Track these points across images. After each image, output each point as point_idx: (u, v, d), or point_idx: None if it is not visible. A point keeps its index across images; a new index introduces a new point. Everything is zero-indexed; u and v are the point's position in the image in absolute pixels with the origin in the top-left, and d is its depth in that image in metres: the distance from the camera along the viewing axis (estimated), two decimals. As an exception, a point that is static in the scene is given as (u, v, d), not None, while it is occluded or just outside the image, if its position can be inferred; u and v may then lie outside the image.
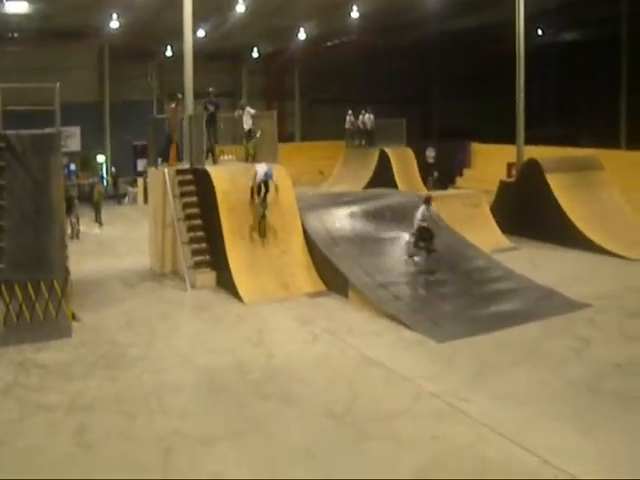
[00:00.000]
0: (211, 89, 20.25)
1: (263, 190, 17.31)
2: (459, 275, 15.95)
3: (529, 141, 25.97)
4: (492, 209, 22.61)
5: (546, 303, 15.19)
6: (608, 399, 10.68)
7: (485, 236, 20.04)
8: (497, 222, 21.83)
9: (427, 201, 17.24)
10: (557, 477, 8.42)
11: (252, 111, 20.27)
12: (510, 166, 25.91)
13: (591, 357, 12.50)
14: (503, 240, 21.03)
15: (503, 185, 24.41)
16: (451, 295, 15.50)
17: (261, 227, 17.19)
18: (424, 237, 16.80)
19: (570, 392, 10.96)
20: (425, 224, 16.86)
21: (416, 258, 17.04)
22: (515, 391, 10.95)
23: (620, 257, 19.88)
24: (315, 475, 8.52)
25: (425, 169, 32.83)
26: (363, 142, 34.50)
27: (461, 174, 35.83)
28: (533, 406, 10.42)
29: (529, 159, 24.24)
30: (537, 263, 18.71)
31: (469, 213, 20.73)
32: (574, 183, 22.80)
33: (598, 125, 35.53)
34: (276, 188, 17.32)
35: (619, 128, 36.15)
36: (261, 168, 17.40)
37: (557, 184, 22.50)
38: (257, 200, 17.29)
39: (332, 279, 16.40)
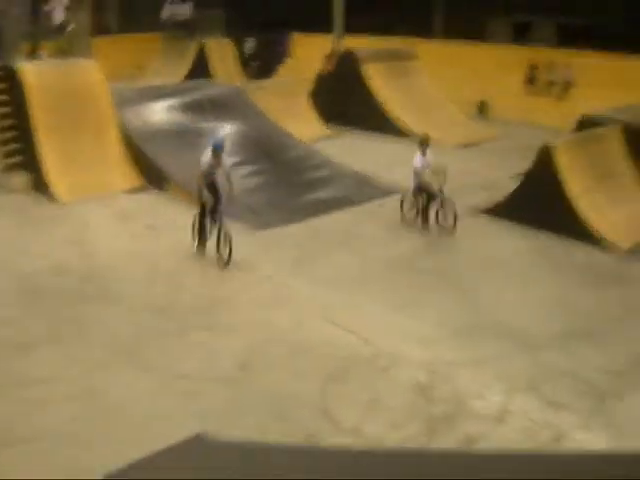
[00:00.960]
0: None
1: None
2: (277, 164, 16.05)
3: (349, 31, 26.15)
4: (311, 99, 22.72)
5: (362, 189, 15.67)
6: (420, 278, 11.30)
7: (304, 125, 20.17)
8: (316, 111, 22.00)
9: (423, 143, 13.92)
10: (377, 354, 8.89)
11: (64, 1, 19.18)
12: (328, 56, 25.94)
13: (404, 239, 13.10)
14: (322, 129, 21.24)
15: (321, 75, 24.48)
16: (270, 184, 15.59)
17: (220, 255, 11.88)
18: (428, 196, 13.59)
19: (385, 273, 11.49)
20: (427, 179, 13.63)
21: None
22: (334, 275, 11.34)
23: (433, 143, 20.55)
24: (138, 370, 8.57)
25: (245, 60, 32.43)
26: (181, 34, 33.58)
27: (282, 64, 35.56)
28: (352, 288, 10.86)
29: (345, 49, 24.42)
30: (354, 151, 19.05)
31: (287, 103, 20.69)
32: (390, 72, 23.19)
33: (415, 15, 36.01)
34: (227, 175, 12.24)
35: (434, 18, 36.88)
36: (207, 151, 12.23)
37: (373, 74, 22.83)
38: (208, 203, 11.99)
39: (151, 174, 16.05)
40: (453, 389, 8.24)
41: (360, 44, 25.11)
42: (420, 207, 13.75)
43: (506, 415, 7.81)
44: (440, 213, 13.64)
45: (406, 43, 26.24)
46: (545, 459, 4.53)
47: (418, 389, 8.23)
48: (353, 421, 7.61)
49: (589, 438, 7.43)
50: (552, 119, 21.24)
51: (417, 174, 13.64)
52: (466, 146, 20.43)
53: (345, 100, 22.37)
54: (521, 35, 34.18)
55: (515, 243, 12.98)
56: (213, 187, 12.06)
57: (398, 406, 7.89)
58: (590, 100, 20.83)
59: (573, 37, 28.98)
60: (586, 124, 16.01)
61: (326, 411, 7.75)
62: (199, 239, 12.24)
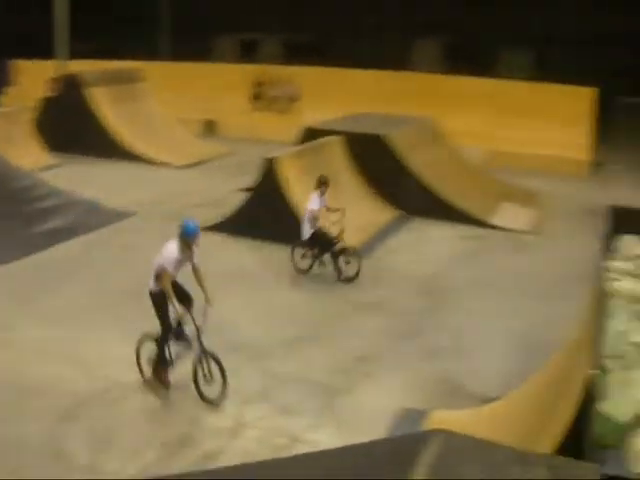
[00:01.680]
0: None
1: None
2: (-1, 199, 15.20)
3: (75, 56, 25.64)
4: (37, 127, 21.85)
5: (93, 216, 15.22)
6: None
7: (27, 154, 19.38)
8: (42, 139, 21.20)
9: (322, 184, 12.08)
10: (107, 387, 8.70)
11: None
12: (51, 81, 25.10)
13: (137, 263, 12.86)
14: (47, 158, 20.50)
15: (45, 101, 23.58)
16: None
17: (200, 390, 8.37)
18: (325, 243, 12.13)
19: (117, 302, 11.17)
20: (323, 224, 12.12)
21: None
22: (61, 310, 10.83)
23: (163, 164, 20.73)
24: None
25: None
26: None
27: (5, 93, 33.97)
28: (81, 322, 10.45)
29: (68, 74, 23.76)
30: (83, 178, 18.50)
31: (9, 132, 19.76)
32: (116, 96, 22.88)
33: (142, 37, 35.93)
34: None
35: (160, 40, 37.03)
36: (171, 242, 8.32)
37: (98, 98, 22.39)
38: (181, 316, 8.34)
39: None
40: (186, 409, 8.24)
41: (87, 68, 24.53)
42: (316, 256, 12.35)
43: (240, 427, 7.92)
44: (341, 260, 12.24)
45: (132, 65, 26.00)
46: (278, 464, 4.65)
47: (152, 415, 8.15)
48: (89, 458, 7.38)
49: (321, 437, 7.73)
50: (278, 133, 21.98)
51: (313, 218, 11.96)
52: (194, 165, 20.74)
53: (72, 127, 21.70)
54: (248, 53, 35.16)
55: (241, 257, 13.26)
56: (181, 292, 8.46)
57: (133, 435, 7.76)
58: (315, 112, 21.87)
59: (299, 53, 30.24)
60: (309, 136, 16.67)
61: (59, 452, 7.44)
62: (159, 368, 8.61)
